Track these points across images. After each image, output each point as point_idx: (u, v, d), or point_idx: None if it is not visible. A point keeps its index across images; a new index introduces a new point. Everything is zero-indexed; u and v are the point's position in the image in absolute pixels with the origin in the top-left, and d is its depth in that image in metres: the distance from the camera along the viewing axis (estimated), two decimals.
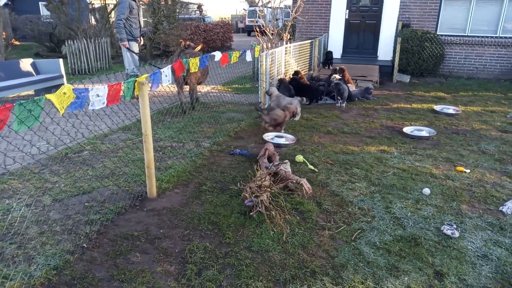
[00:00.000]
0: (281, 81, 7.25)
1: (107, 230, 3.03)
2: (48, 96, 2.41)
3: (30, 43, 18.17)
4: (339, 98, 7.16)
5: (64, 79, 7.72)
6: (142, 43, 7.72)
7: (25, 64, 7.50)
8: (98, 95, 2.79)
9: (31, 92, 7.67)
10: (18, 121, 2.28)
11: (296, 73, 7.70)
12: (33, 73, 7.55)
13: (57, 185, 3.77)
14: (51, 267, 2.56)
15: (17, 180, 3.86)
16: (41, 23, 16.84)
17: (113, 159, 4.45)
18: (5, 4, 21.97)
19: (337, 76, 8.02)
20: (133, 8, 7.23)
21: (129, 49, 7.29)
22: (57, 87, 7.70)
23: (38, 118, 2.36)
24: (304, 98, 6.38)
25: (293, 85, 7.11)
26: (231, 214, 3.26)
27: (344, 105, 7.15)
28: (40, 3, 22.13)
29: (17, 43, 18.68)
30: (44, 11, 21.18)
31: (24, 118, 2.29)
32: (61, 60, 7.76)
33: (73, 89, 2.58)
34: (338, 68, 8.38)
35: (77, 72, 10.64)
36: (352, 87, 8.13)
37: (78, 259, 2.68)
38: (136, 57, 7.49)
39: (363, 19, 11.13)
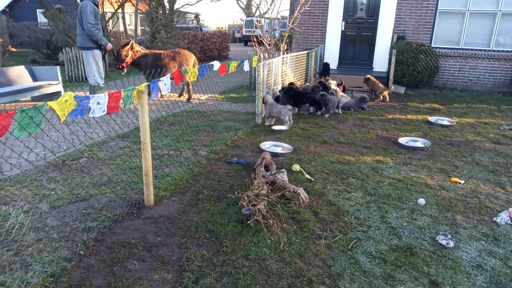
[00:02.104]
0: (283, 89, 7.35)
1: (104, 238, 3.03)
2: (49, 103, 2.43)
3: (27, 50, 18.20)
4: (323, 108, 7.21)
5: (61, 86, 7.74)
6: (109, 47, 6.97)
7: (23, 70, 7.51)
8: (98, 103, 2.82)
9: (28, 99, 7.67)
10: (20, 128, 2.30)
11: (291, 84, 7.76)
12: (31, 80, 7.56)
13: (54, 192, 3.77)
14: (48, 274, 2.55)
15: (15, 186, 3.86)
16: (39, 30, 16.88)
17: (111, 166, 4.46)
18: (3, 11, 22.04)
19: (333, 86, 8.12)
20: (98, 13, 6.79)
21: (101, 58, 6.88)
22: (55, 94, 7.70)
23: (40, 125, 2.38)
24: (296, 108, 6.45)
25: (291, 95, 7.16)
26: (228, 222, 3.27)
27: (327, 115, 7.19)
28: (37, 10, 22.25)
29: (13, 49, 18.69)
30: (41, 19, 21.28)
31: (26, 124, 2.31)
32: (58, 67, 7.79)
33: (74, 97, 2.60)
34: (317, 81, 8.44)
35: (74, 80, 10.66)
36: (347, 98, 8.24)
37: (75, 266, 2.67)
38: (102, 68, 7.06)
39: (359, 30, 11.29)
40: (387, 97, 8.75)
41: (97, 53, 6.88)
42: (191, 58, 8.56)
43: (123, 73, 7.80)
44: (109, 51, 7.11)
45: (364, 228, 3.27)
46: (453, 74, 10.77)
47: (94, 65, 6.87)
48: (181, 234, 3.12)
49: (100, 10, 13.99)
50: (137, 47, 7.82)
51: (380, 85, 8.87)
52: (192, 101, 8.36)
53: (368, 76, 9.09)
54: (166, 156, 4.87)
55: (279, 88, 7.74)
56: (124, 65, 7.54)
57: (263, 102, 6.51)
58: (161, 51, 8.39)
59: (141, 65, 7.95)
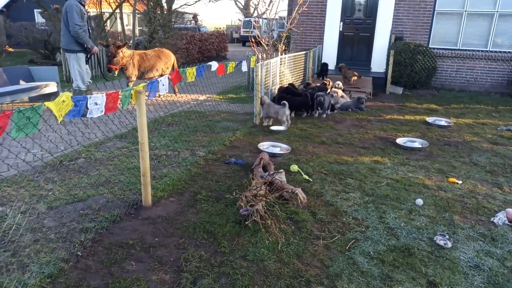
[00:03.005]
0: (280, 89, 7.37)
1: (102, 238, 3.02)
2: (47, 103, 2.42)
3: (24, 50, 18.11)
4: (319, 108, 7.23)
5: (59, 86, 7.72)
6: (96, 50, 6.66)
7: (20, 71, 7.49)
8: (96, 103, 2.81)
9: (26, 99, 7.64)
10: (17, 128, 2.29)
11: (291, 85, 7.80)
12: (28, 80, 7.54)
13: (51, 192, 3.76)
14: (45, 275, 2.54)
15: (12, 187, 3.84)
16: (36, 30, 16.83)
17: (109, 167, 4.45)
18: (0, 11, 21.97)
19: (339, 88, 8.20)
20: (84, 14, 6.37)
21: (85, 61, 6.59)
22: (52, 94, 7.61)
23: (37, 125, 2.38)
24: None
25: (287, 95, 7.15)
26: (226, 223, 3.27)
27: (324, 115, 7.21)
28: (35, 10, 22.16)
29: (11, 50, 18.62)
30: (39, 19, 21.20)
31: (23, 125, 2.30)
32: (56, 67, 7.77)
33: (71, 97, 2.60)
34: (306, 82, 8.52)
35: (71, 80, 10.61)
36: (346, 99, 8.26)
37: (72, 267, 2.66)
38: (88, 71, 6.72)
39: (356, 31, 11.31)
40: (355, 80, 9.92)
41: (81, 56, 6.55)
42: (172, 57, 8.66)
43: (115, 75, 7.71)
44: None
45: (362, 229, 3.27)
46: (451, 74, 10.81)
47: (77, 68, 6.57)
48: (179, 234, 3.11)
49: (98, 10, 14.02)
50: (123, 48, 7.49)
51: (350, 71, 9.85)
52: (190, 101, 8.35)
53: (341, 64, 10.29)
54: (164, 156, 4.86)
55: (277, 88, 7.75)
56: (117, 68, 7.37)
57: (260, 103, 6.51)
58: (145, 51, 8.39)
59: (128, 67, 7.67)
